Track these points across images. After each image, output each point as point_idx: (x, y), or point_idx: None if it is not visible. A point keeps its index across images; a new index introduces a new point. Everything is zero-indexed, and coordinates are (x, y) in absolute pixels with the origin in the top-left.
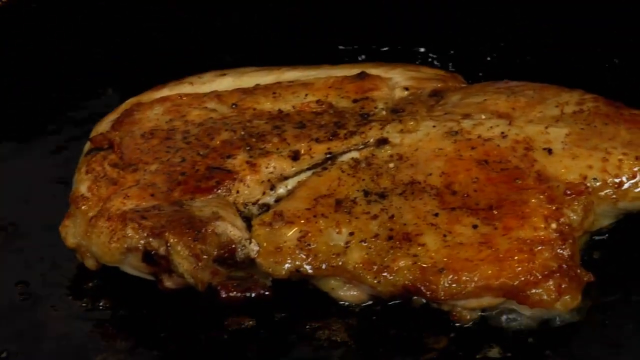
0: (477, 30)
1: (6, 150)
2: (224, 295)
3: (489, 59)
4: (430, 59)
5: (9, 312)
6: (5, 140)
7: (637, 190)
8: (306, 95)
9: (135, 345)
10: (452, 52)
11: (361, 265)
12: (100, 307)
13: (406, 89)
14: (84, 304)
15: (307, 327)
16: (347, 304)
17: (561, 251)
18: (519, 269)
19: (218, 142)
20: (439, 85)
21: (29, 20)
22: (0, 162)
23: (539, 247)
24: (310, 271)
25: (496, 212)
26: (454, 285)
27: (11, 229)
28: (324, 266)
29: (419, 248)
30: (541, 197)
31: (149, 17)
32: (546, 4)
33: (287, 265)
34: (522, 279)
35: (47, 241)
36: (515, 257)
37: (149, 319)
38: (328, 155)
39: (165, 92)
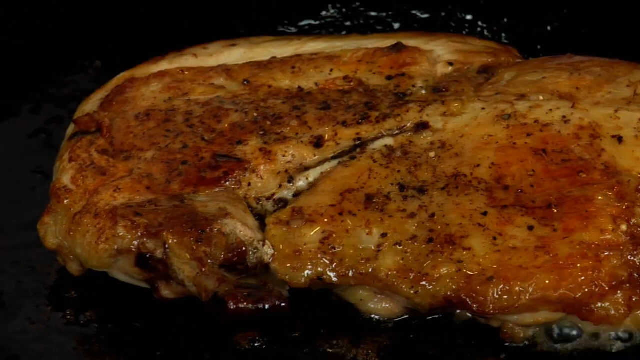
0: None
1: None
2: (232, 306)
3: (549, 28)
4: (479, 29)
5: None
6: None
7: None
8: (331, 70)
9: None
10: (505, 20)
11: (395, 272)
12: (85, 320)
13: (450, 64)
14: (65, 316)
15: (330, 346)
16: (378, 318)
17: (632, 258)
18: (583, 278)
19: (226, 126)
20: (490, 60)
21: None
22: None
23: (606, 253)
24: (334, 279)
25: (556, 211)
26: (506, 297)
27: None
28: (351, 273)
29: (464, 253)
30: (609, 193)
31: None
32: None
33: (307, 272)
34: (586, 290)
35: (23, 241)
36: (578, 265)
37: (143, 334)
38: (357, 142)
39: (164, 65)
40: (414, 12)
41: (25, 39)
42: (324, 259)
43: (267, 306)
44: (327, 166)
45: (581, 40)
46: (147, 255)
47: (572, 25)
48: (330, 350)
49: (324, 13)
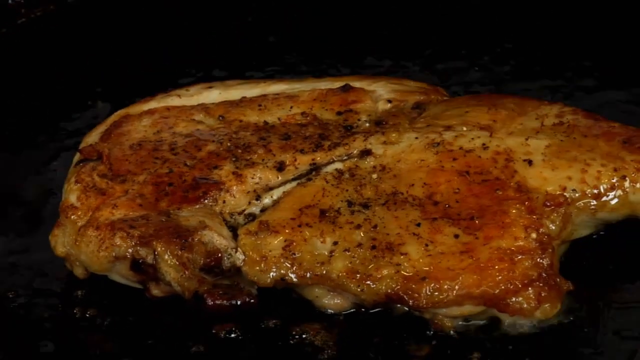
0: (460, 46)
1: (11, 164)
2: (210, 303)
3: (476, 69)
4: (413, 73)
5: None
6: (11, 149)
7: (614, 201)
8: (291, 107)
9: (122, 353)
10: (437, 66)
11: (345, 274)
12: (89, 315)
13: (389, 101)
14: (73, 312)
15: (292, 334)
16: (331, 312)
17: (541, 260)
18: (500, 277)
19: (205, 153)
20: (422, 98)
21: (20, 34)
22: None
23: (519, 257)
24: (295, 280)
25: (477, 222)
26: (436, 293)
27: (1, 239)
28: (308, 275)
29: (402, 257)
30: (521, 207)
31: (139, 31)
32: (528, 23)
33: (272, 274)
34: (503, 287)
35: (36, 250)
36: (496, 266)
37: (137, 326)
38: (312, 166)
39: (153, 104)
40: (359, 59)
41: (42, 82)
42: (286, 263)
43: (239, 302)
44: (288, 186)
45: (497, 82)
46: (140, 261)
47: (490, 69)
48: (293, 336)
49: (286, 59)
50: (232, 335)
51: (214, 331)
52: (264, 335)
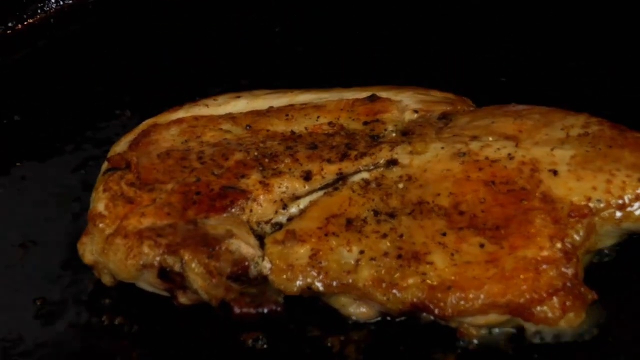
0: (488, 56)
1: (27, 169)
2: (237, 310)
3: (503, 79)
4: (440, 83)
5: (27, 327)
6: (26, 159)
7: (639, 212)
8: (318, 117)
9: (156, 356)
10: (462, 76)
11: (371, 282)
12: (117, 323)
13: (416, 111)
14: (101, 320)
15: (319, 342)
16: (357, 320)
17: (565, 270)
18: (525, 287)
19: (232, 162)
20: (448, 108)
21: (51, 45)
22: (21, 180)
23: (544, 266)
24: (321, 288)
25: (503, 232)
26: (461, 302)
27: (31, 246)
28: (334, 283)
29: (428, 266)
30: (546, 217)
31: (167, 42)
32: (553, 34)
33: (299, 283)
34: (528, 296)
35: (65, 258)
36: (521, 276)
37: (164, 334)
38: (339, 176)
39: (181, 113)
40: (386, 69)
41: (71, 92)
42: (313, 272)
43: (265, 310)
44: (314, 196)
45: (524, 92)
46: (167, 269)
47: (517, 80)
48: (319, 344)
49: (313, 69)
50: (259, 342)
51: (241, 339)
52: (291, 344)
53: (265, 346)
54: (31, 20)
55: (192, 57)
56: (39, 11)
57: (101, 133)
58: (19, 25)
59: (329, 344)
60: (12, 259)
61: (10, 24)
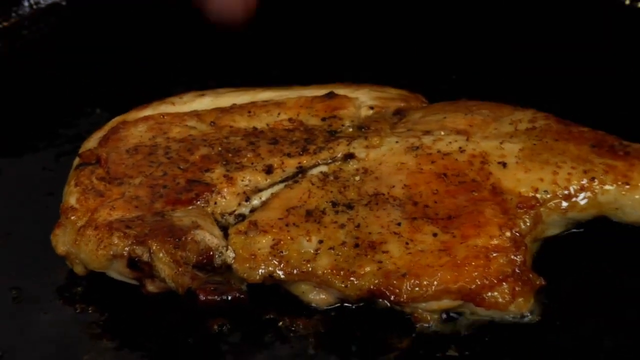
0: (439, 54)
1: (1, 165)
2: (202, 298)
3: (454, 77)
4: (395, 81)
5: (2, 315)
6: (5, 155)
7: (584, 202)
8: (279, 113)
9: (120, 346)
10: (415, 73)
11: (330, 270)
12: (89, 311)
13: (371, 108)
14: (73, 308)
15: (281, 328)
16: (316, 306)
17: (514, 257)
18: (476, 273)
19: (197, 157)
20: (402, 104)
21: (23, 46)
22: (5, 179)
23: (494, 254)
24: (282, 276)
25: (454, 222)
26: (416, 289)
27: (6, 238)
28: (295, 272)
29: (383, 255)
30: (496, 208)
31: (136, 43)
32: (500, 32)
33: (261, 271)
34: (479, 283)
35: (39, 249)
36: (472, 263)
37: (133, 321)
38: (299, 169)
39: (148, 111)
40: (347, 70)
41: (43, 91)
42: (274, 261)
43: (229, 297)
44: (275, 188)
45: (474, 89)
46: (136, 259)
47: (467, 77)
48: (282, 329)
49: (274, 70)
50: (224, 328)
51: (207, 325)
52: (254, 329)
53: (230, 332)
54: (6, 24)
55: (159, 58)
56: (13, 14)
57: (72, 130)
58: None
59: (290, 329)
60: None
61: None
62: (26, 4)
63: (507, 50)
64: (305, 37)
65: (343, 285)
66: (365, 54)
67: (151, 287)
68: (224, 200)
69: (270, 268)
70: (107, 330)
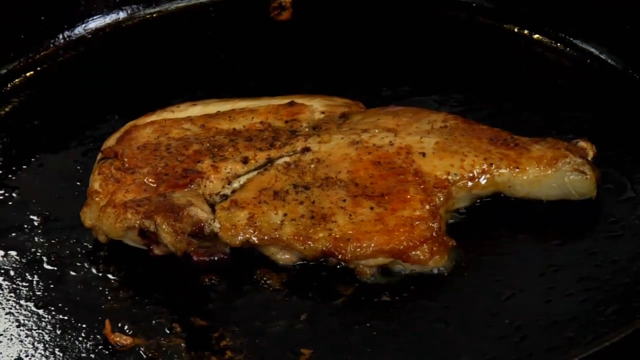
0: (374, 72)
1: (43, 160)
2: (195, 258)
3: (385, 89)
4: (340, 92)
5: (41, 274)
6: (42, 152)
7: (484, 182)
8: (253, 118)
9: (133, 295)
10: (356, 86)
11: (292, 236)
12: (109, 269)
13: (322, 112)
14: (97, 267)
15: (256, 280)
16: (283, 264)
17: (432, 224)
18: (403, 237)
19: (191, 152)
20: (346, 109)
21: (59, 68)
22: (38, 167)
23: (417, 222)
24: (256, 241)
25: (386, 198)
26: (358, 249)
27: (47, 215)
28: (266, 238)
29: (332, 224)
30: (418, 187)
31: (142, 63)
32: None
33: (240, 237)
34: (405, 244)
35: (72, 223)
36: (400, 229)
37: (144, 276)
38: (268, 160)
39: (154, 117)
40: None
41: (76, 105)
42: (250, 230)
43: (216, 258)
44: (250, 175)
45: (400, 99)
46: (145, 230)
47: (396, 89)
48: (256, 281)
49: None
50: (213, 281)
51: (200, 279)
52: (236, 281)
53: (217, 284)
54: (44, 52)
55: (161, 76)
56: (50, 45)
57: (96, 132)
58: (37, 56)
59: (264, 281)
60: (33, 225)
61: (30, 54)
62: (60, 37)
63: (426, 66)
64: (271, 59)
65: (302, 248)
66: (317, 71)
67: (157, 251)
68: (211, 184)
69: (247, 235)
70: (123, 283)
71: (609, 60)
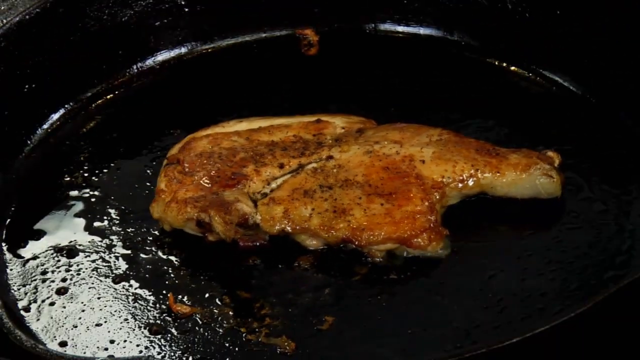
0: (381, 96)
1: (120, 165)
2: (241, 244)
3: (391, 109)
4: (357, 112)
5: (118, 256)
6: (120, 159)
7: (471, 183)
8: (287, 132)
9: (192, 273)
10: (368, 108)
11: (318, 226)
12: (173, 253)
13: (343, 128)
14: (163, 251)
15: (289, 261)
16: (312, 248)
17: (430, 217)
18: (407, 228)
19: (238, 159)
20: (361, 126)
21: (134, 92)
22: (116, 171)
23: (418, 216)
24: (290, 230)
25: (394, 196)
26: (371, 237)
27: (123, 209)
28: (297, 227)
29: (351, 217)
30: (419, 188)
31: (199, 89)
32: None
33: (277, 227)
34: (409, 233)
35: (143, 216)
36: (405, 221)
37: (201, 258)
38: (299, 166)
39: (208, 131)
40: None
41: (146, 122)
42: (285, 221)
43: (258, 243)
44: (285, 177)
45: (404, 117)
46: (202, 221)
47: (400, 109)
48: (291, 262)
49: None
50: (256, 262)
51: (245, 260)
52: (273, 262)
53: (259, 264)
54: (122, 79)
55: (215, 99)
56: (126, 73)
57: (162, 143)
58: (115, 82)
59: (295, 262)
60: (107, 213)
61: (110, 81)
62: (134, 67)
63: (425, 92)
64: (302, 86)
65: (326, 236)
66: (339, 95)
67: (211, 238)
68: (254, 184)
69: (282, 225)
70: (183, 264)
71: (571, 87)
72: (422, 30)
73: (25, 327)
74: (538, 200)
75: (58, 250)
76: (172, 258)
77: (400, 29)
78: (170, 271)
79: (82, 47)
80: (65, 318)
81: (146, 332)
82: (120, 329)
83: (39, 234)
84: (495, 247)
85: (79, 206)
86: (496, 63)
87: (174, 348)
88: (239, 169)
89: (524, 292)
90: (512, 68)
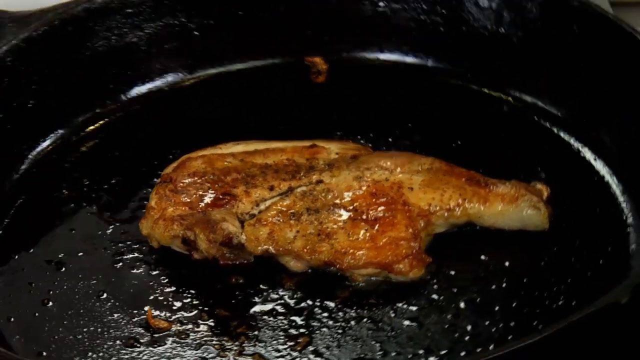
0: (375, 125)
1: (122, 183)
2: (221, 262)
3: (389, 139)
4: (352, 138)
5: (107, 269)
6: (120, 175)
7: (459, 213)
8: (281, 155)
9: (176, 290)
10: (363, 135)
11: (302, 249)
12: (159, 268)
13: (337, 153)
14: (149, 267)
15: (272, 282)
16: (295, 270)
17: (413, 244)
18: (389, 253)
19: (229, 180)
20: (356, 152)
21: (135, 115)
22: (115, 187)
23: (401, 242)
24: (274, 252)
25: (379, 222)
26: (352, 261)
27: (120, 224)
28: (281, 249)
29: (334, 241)
30: (404, 215)
31: (196, 115)
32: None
33: (260, 248)
34: (391, 259)
35: (132, 233)
36: (387, 247)
37: (186, 275)
38: (289, 188)
39: (204, 152)
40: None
41: (145, 144)
42: (269, 242)
43: (237, 262)
44: (274, 199)
45: (397, 146)
46: (187, 239)
47: (394, 139)
48: (275, 283)
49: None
50: (240, 281)
51: (228, 278)
52: (256, 282)
53: (242, 283)
54: (126, 100)
55: (215, 122)
56: (124, 99)
57: (161, 165)
58: (119, 104)
59: (280, 283)
60: (101, 228)
61: (118, 102)
62: (142, 88)
63: (420, 120)
64: (308, 111)
65: (309, 258)
66: (334, 122)
67: (196, 256)
68: (243, 205)
69: (266, 246)
70: (168, 281)
71: (552, 110)
72: (430, 62)
73: (1, 337)
74: (526, 232)
75: (47, 262)
76: (158, 274)
77: (408, 59)
78: (155, 287)
79: (91, 66)
80: (45, 329)
81: (121, 344)
82: (97, 340)
83: (28, 247)
84: (479, 275)
85: (73, 222)
86: (483, 90)
87: None
88: (229, 189)
89: (502, 318)
90: (496, 94)
